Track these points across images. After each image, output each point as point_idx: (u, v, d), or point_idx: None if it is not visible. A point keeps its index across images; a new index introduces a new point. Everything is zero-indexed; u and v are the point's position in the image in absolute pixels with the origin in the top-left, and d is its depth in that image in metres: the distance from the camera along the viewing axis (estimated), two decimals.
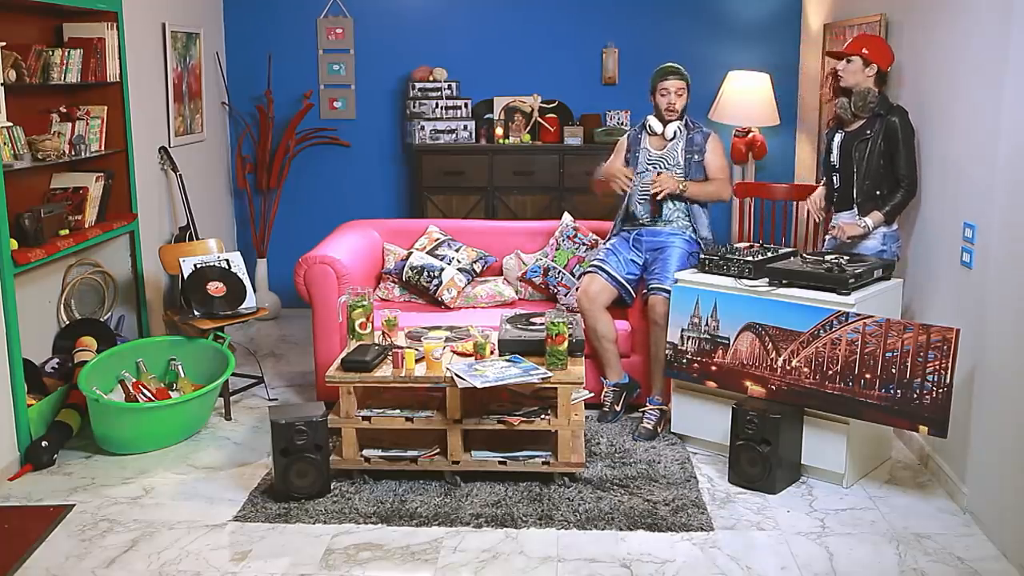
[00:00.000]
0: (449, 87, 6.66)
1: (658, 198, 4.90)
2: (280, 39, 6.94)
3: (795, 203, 6.00)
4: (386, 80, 6.97)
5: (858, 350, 3.96)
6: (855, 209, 4.61)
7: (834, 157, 4.70)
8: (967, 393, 3.92)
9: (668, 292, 4.64)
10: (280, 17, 6.93)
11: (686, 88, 4.98)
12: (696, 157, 4.97)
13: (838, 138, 4.68)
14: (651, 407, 4.81)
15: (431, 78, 6.67)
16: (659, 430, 4.74)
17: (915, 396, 3.85)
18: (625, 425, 4.83)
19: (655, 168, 5.00)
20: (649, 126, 5.06)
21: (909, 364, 3.85)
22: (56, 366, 4.86)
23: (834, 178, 4.72)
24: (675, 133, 4.97)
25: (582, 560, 3.59)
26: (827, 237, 4.83)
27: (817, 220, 5.00)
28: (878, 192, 4.52)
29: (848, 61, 4.57)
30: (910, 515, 3.94)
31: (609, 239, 5.13)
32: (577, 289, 5.07)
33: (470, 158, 6.53)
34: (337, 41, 6.94)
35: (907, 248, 4.67)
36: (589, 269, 4.98)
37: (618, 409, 4.91)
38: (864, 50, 4.55)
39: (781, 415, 4.09)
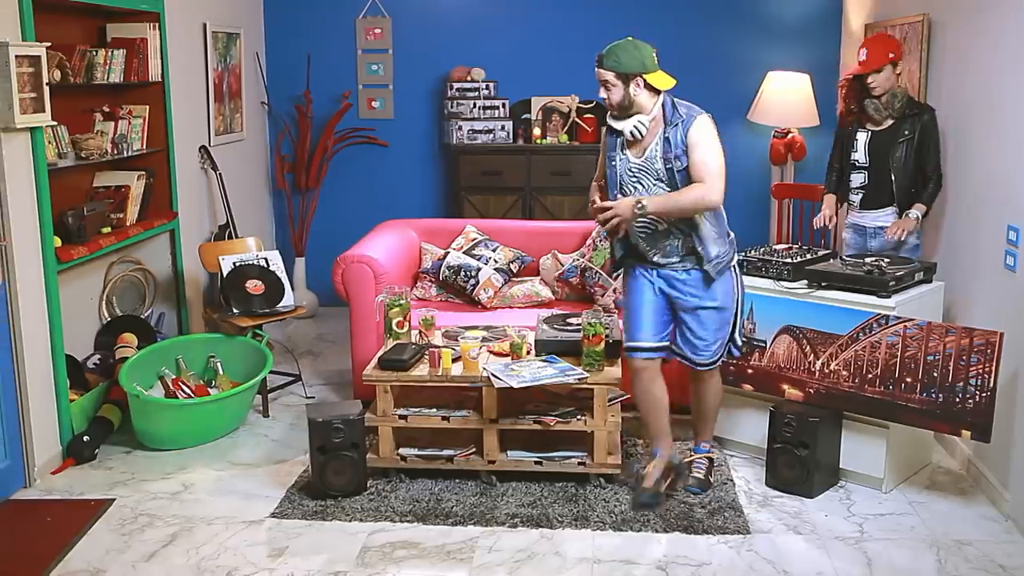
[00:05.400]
0: (487, 87, 6.67)
1: (607, 237, 3.97)
2: (319, 39, 6.99)
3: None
4: (424, 80, 6.99)
5: (898, 353, 3.92)
6: (894, 207, 4.63)
7: (859, 155, 4.69)
8: (1011, 397, 3.87)
9: (711, 364, 4.03)
10: (319, 17, 6.97)
11: (617, 78, 3.78)
12: (678, 164, 3.76)
13: (863, 136, 4.68)
14: (698, 456, 4.27)
15: (469, 78, 6.68)
16: (711, 479, 4.20)
17: (957, 400, 3.80)
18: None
19: (638, 183, 3.88)
20: (609, 126, 3.95)
21: (951, 368, 3.80)
22: (97, 362, 4.92)
23: (856, 176, 4.71)
24: (633, 133, 3.83)
25: (617, 562, 3.58)
26: (847, 235, 4.84)
27: (820, 227, 4.91)
28: (913, 191, 4.59)
29: (878, 72, 4.55)
30: (951, 521, 3.89)
31: (619, 278, 4.29)
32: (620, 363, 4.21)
33: (507, 158, 6.53)
34: (376, 41, 6.97)
35: (949, 250, 4.62)
36: (627, 354, 4.05)
37: (661, 491, 3.99)
38: (890, 55, 4.56)
39: (819, 418, 4.05)
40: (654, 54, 3.81)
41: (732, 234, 4.02)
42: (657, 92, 3.83)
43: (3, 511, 3.97)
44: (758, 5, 6.77)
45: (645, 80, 3.77)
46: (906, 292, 4.11)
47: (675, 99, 3.85)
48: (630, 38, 3.81)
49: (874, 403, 4.00)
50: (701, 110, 3.83)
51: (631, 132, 3.82)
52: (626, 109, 3.82)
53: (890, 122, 4.59)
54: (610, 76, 3.77)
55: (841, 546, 3.70)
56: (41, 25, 4.20)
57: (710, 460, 4.27)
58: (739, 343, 4.12)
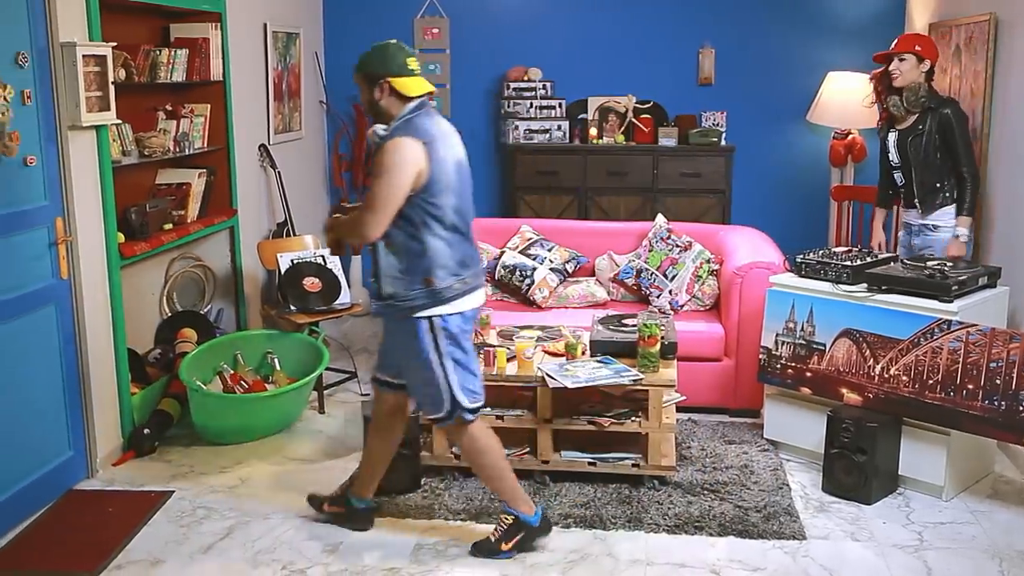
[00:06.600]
0: (543, 87, 6.67)
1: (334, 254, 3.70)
2: (377, 39, 6.85)
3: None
4: (481, 80, 7.01)
5: (960, 359, 3.84)
6: (917, 206, 4.67)
7: (892, 156, 4.76)
8: None
9: (391, 385, 3.65)
10: (377, 17, 7.03)
11: (364, 81, 3.44)
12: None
13: (892, 137, 4.73)
14: (504, 515, 3.64)
15: (526, 78, 6.69)
16: (504, 548, 3.57)
17: (1020, 409, 3.72)
18: (715, 430, 4.76)
19: None
20: None
21: (1015, 375, 3.72)
22: (158, 356, 5.00)
23: (896, 176, 4.77)
24: (368, 144, 3.56)
25: (671, 564, 3.56)
26: (900, 235, 4.88)
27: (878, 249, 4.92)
28: (938, 185, 4.56)
29: (901, 59, 4.60)
30: (1014, 531, 3.81)
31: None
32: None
33: (564, 158, 6.53)
34: (433, 41, 7.01)
35: (1015, 255, 4.52)
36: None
37: (506, 548, 3.58)
38: (917, 47, 4.60)
39: (878, 424, 3.99)
40: (409, 59, 3.43)
41: (439, 282, 3.39)
42: (408, 100, 3.41)
43: (66, 501, 4.06)
44: (820, 4, 6.69)
45: (391, 85, 3.38)
46: (969, 297, 4.04)
47: (416, 115, 3.39)
48: (392, 40, 3.50)
49: (934, 409, 3.93)
50: (414, 131, 3.31)
51: (367, 143, 3.27)
52: (378, 115, 3.41)
53: (911, 119, 4.64)
54: (358, 77, 3.45)
55: (900, 554, 3.64)
56: (107, 25, 4.27)
57: (511, 526, 3.60)
58: (466, 406, 3.48)
